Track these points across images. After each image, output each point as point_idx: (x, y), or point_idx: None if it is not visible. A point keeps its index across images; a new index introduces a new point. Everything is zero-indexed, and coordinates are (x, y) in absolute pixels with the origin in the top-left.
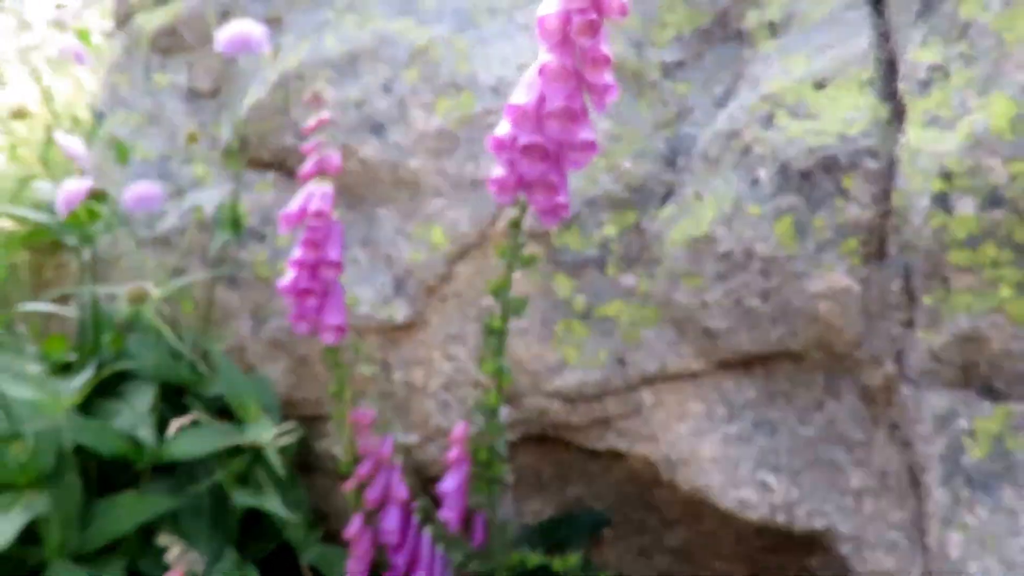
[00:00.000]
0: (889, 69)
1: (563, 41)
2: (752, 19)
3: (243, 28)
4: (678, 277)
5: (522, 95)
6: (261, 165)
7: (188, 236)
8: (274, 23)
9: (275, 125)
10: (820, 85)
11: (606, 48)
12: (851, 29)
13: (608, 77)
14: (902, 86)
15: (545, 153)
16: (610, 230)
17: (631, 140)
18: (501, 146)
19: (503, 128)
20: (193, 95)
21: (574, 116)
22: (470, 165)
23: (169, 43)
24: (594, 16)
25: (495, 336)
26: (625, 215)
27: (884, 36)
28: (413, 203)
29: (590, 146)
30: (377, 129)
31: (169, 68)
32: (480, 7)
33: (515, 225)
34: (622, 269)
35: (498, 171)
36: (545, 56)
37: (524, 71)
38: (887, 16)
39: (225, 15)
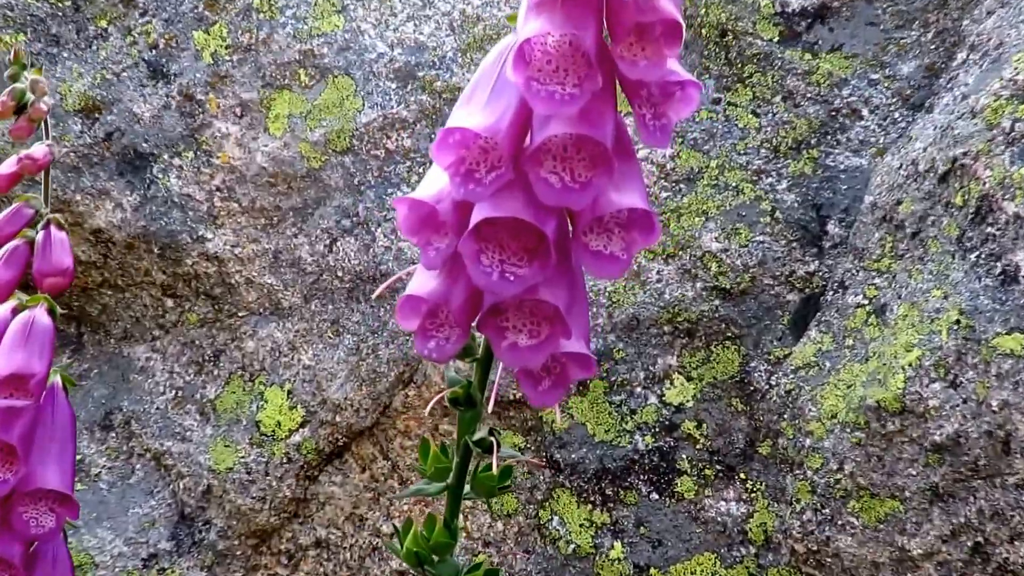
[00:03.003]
0: None
1: None
2: None
3: None
4: (843, 498)
5: (478, 110)
6: None
7: None
8: None
9: None
10: None
11: (670, 2)
12: None
13: (675, 67)
14: None
15: (535, 240)
16: (679, 392)
17: (717, 186)
18: (429, 223)
19: (433, 183)
20: None
21: (599, 156)
22: (350, 243)
23: None
24: None
25: None
26: (713, 356)
27: None
28: (216, 333)
29: (642, 222)
30: (133, 164)
31: None
32: None
33: (463, 403)
34: (711, 481)
35: (421, 281)
36: (532, 24)
37: (467, 37)
38: None
39: None
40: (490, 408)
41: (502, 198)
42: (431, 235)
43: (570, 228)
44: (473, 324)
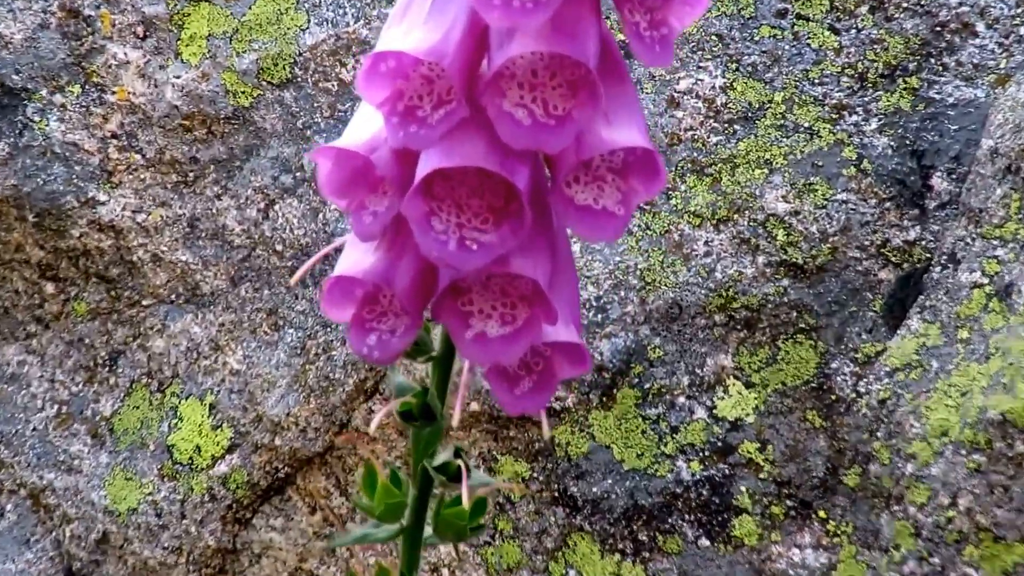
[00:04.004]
0: None
1: None
2: None
3: None
4: (957, 543)
5: (416, 27)
6: None
7: None
8: None
9: None
10: None
11: None
12: None
13: None
14: None
15: (502, 196)
16: (735, 403)
17: (784, 127)
18: (361, 181)
19: (364, 126)
20: None
21: (580, 80)
22: (292, 207)
23: None
24: None
25: None
26: (781, 355)
27: None
28: (113, 328)
29: (642, 165)
30: (0, 103)
31: None
32: None
33: (418, 416)
34: (780, 522)
35: (354, 257)
36: None
37: None
38: None
39: None
40: (456, 420)
41: (456, 142)
42: (365, 196)
43: (548, 178)
44: (426, 311)
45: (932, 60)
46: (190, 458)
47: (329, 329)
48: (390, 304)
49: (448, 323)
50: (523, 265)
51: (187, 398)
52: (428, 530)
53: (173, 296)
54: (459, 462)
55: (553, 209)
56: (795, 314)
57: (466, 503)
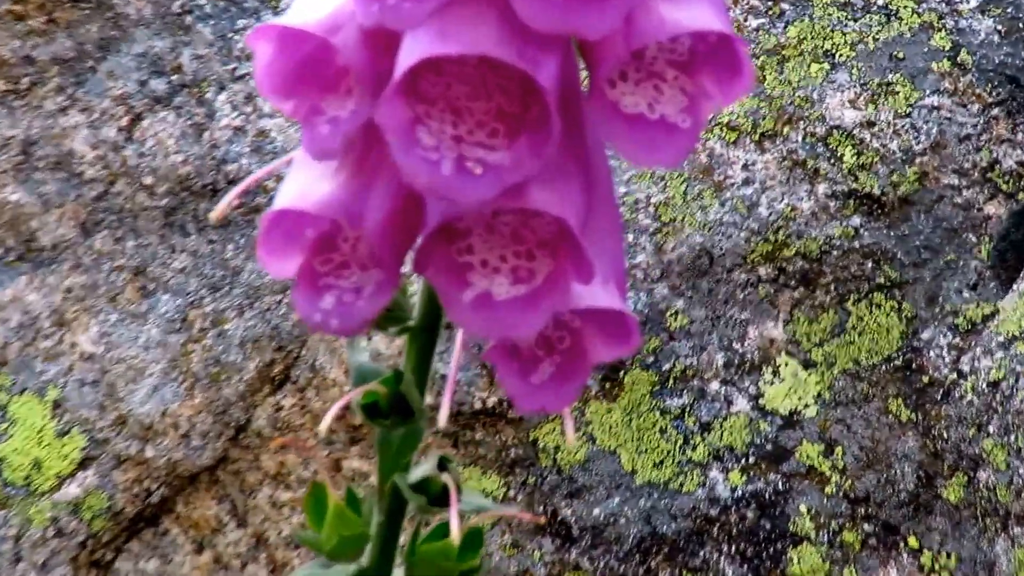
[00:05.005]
0: None
1: None
2: None
3: None
4: None
5: None
6: None
7: None
8: None
9: None
10: None
11: None
12: None
13: None
14: None
15: (519, 99)
16: (789, 389)
17: (850, 6)
18: (315, 74)
19: (316, 7)
20: None
21: None
22: (166, 124)
23: None
24: None
25: None
26: (852, 323)
27: None
28: None
29: (718, 58)
30: None
31: None
32: None
33: (389, 411)
34: (855, 553)
35: (305, 183)
36: None
37: None
38: None
39: None
40: (443, 419)
41: (454, 21)
42: (321, 96)
43: (585, 76)
44: (406, 262)
45: None
46: (27, 477)
47: (219, 293)
48: (354, 251)
49: (437, 280)
50: (547, 198)
51: (21, 394)
52: (399, 573)
53: (0, 251)
54: (446, 478)
55: (589, 119)
56: (871, 265)
57: (455, 535)
